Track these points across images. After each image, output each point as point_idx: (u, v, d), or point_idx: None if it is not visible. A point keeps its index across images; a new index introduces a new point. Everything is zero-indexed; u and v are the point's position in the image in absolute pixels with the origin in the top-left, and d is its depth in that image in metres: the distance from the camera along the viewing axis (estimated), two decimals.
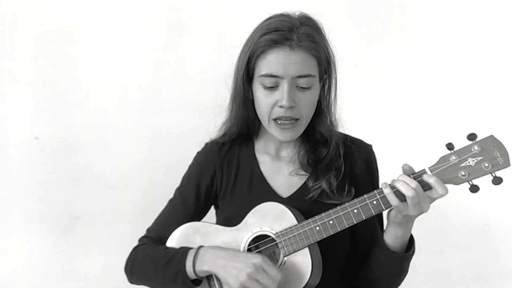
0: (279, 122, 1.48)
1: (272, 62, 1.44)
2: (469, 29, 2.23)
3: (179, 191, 1.66)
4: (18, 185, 2.22)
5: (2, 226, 2.21)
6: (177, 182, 1.68)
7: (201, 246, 1.47)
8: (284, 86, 1.44)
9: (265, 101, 1.48)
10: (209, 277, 1.49)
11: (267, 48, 1.45)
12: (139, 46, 2.25)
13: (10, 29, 2.20)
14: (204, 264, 1.43)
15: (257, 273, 1.36)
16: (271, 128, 1.51)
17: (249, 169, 1.60)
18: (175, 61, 2.25)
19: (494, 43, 2.22)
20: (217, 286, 1.47)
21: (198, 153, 1.68)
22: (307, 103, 1.48)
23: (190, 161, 1.69)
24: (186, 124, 2.24)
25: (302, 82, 1.45)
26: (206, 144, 1.68)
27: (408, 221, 1.39)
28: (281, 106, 1.46)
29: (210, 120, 1.67)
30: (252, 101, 1.54)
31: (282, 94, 1.45)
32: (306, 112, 1.49)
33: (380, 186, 1.38)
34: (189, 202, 1.62)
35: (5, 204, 2.21)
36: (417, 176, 1.35)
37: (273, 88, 1.46)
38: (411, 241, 1.46)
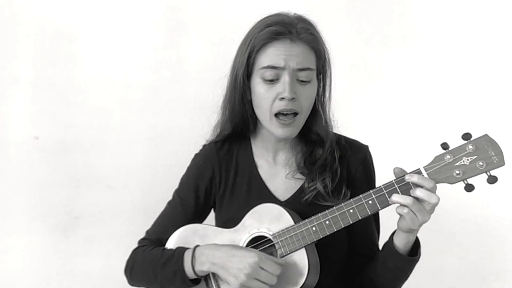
0: (280, 118, 1.47)
1: (273, 54, 1.45)
2: (467, 29, 2.23)
3: (178, 193, 1.65)
4: (18, 185, 2.22)
5: (2, 226, 2.22)
6: (177, 182, 1.68)
7: (196, 246, 1.47)
8: (286, 78, 1.44)
9: (266, 95, 1.47)
10: (207, 278, 1.49)
11: (268, 41, 1.45)
12: (139, 46, 2.25)
13: (10, 29, 2.21)
14: (203, 265, 1.43)
15: (255, 272, 1.36)
16: (271, 125, 1.50)
17: (248, 172, 1.60)
18: (175, 61, 2.26)
19: (492, 43, 2.22)
20: (214, 287, 1.48)
21: (196, 155, 1.68)
22: (307, 96, 1.48)
23: (190, 161, 1.69)
24: (186, 124, 2.23)
25: (302, 75, 1.46)
26: (204, 146, 1.68)
27: (418, 227, 1.38)
28: (282, 98, 1.45)
29: (209, 120, 1.67)
30: (249, 101, 1.53)
31: (283, 86, 1.44)
32: (306, 106, 1.49)
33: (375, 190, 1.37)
34: (188, 204, 1.62)
35: (5, 204, 2.21)
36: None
37: (273, 81, 1.46)
38: (416, 244, 1.44)
